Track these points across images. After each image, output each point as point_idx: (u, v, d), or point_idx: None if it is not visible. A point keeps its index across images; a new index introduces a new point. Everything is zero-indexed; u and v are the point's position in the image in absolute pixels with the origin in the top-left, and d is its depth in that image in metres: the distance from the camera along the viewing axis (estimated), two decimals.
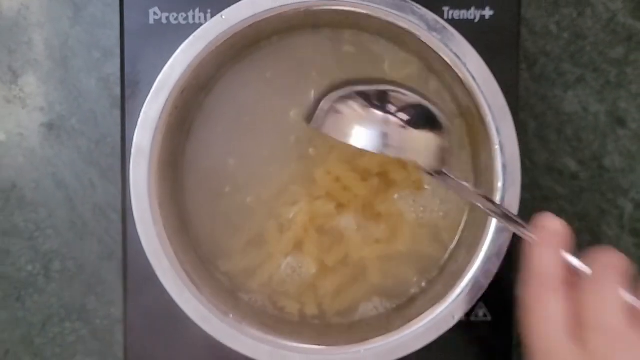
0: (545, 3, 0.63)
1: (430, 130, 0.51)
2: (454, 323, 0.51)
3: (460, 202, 0.56)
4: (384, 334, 0.52)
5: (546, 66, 0.64)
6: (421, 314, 0.52)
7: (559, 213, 0.58)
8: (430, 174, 0.51)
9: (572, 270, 0.44)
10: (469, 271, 0.52)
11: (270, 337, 0.53)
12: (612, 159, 0.64)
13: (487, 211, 0.50)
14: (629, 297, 0.41)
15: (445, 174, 0.50)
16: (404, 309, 0.56)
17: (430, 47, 0.52)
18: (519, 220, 0.49)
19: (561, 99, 0.64)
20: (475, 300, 0.51)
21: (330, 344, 0.53)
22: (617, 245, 0.64)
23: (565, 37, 0.63)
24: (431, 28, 0.52)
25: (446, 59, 0.52)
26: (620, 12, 0.63)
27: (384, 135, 0.49)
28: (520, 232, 0.48)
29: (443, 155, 0.51)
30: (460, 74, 0.52)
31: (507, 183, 0.52)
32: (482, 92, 0.52)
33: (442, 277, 0.56)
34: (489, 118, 0.52)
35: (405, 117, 0.50)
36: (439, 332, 0.51)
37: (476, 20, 0.54)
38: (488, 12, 0.54)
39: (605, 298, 0.41)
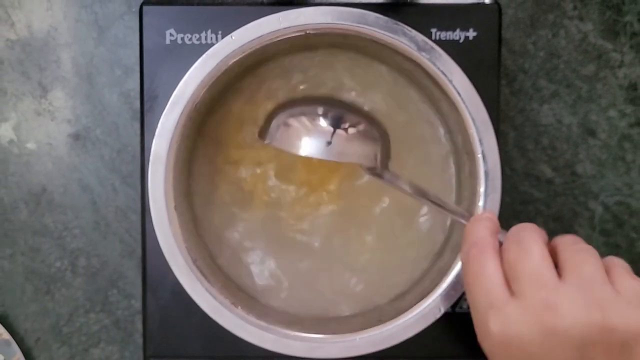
0: (523, 25, 0.64)
1: (367, 138, 0.55)
2: (441, 314, 0.53)
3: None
4: (377, 324, 0.54)
5: (524, 82, 0.65)
6: (411, 307, 0.54)
7: (536, 215, 0.63)
8: (375, 175, 0.54)
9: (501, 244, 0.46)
10: (453, 268, 0.53)
11: (274, 327, 0.54)
12: (584, 166, 0.65)
13: (426, 202, 0.53)
14: (546, 251, 0.43)
15: (384, 174, 0.54)
16: (396, 302, 0.57)
17: (420, 65, 0.53)
18: (453, 207, 0.53)
19: (538, 112, 0.65)
20: (460, 293, 0.53)
21: (328, 333, 0.54)
22: (589, 243, 0.63)
23: (541, 55, 0.64)
24: (420, 48, 0.53)
25: (434, 76, 0.53)
26: (590, 33, 0.64)
27: (329, 144, 0.53)
28: (455, 217, 0.52)
29: (381, 158, 0.54)
30: (446, 90, 0.53)
31: (489, 188, 0.53)
32: (466, 107, 0.53)
33: (429, 274, 0.57)
34: (472, 130, 0.53)
35: (347, 128, 0.54)
36: (427, 322, 0.53)
37: (461, 41, 0.54)
38: (472, 34, 0.54)
39: (527, 250, 0.43)
